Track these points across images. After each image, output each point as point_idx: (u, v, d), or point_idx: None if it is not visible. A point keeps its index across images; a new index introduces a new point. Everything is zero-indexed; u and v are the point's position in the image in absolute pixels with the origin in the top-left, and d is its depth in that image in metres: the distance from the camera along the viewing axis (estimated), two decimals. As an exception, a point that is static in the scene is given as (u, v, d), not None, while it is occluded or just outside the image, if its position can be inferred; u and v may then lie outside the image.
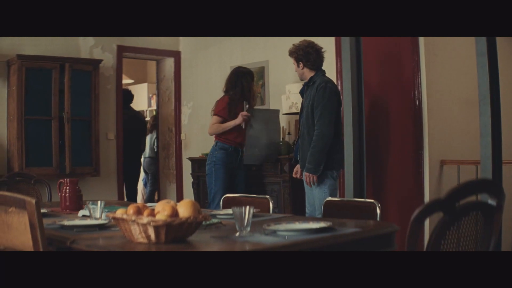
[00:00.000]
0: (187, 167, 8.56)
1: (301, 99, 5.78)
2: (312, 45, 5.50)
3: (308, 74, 5.50)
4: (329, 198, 4.25)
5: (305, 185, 5.60)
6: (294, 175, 5.85)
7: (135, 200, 9.22)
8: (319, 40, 5.60)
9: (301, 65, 5.51)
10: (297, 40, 5.56)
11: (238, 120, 6.40)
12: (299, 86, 5.80)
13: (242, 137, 6.58)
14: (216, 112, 6.56)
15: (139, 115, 10.57)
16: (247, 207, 2.77)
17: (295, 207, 6.55)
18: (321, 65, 5.56)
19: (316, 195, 5.39)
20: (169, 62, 9.20)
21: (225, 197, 4.49)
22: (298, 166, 5.76)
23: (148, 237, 2.62)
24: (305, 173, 5.37)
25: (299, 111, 5.92)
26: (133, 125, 9.27)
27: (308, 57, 5.49)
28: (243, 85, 6.60)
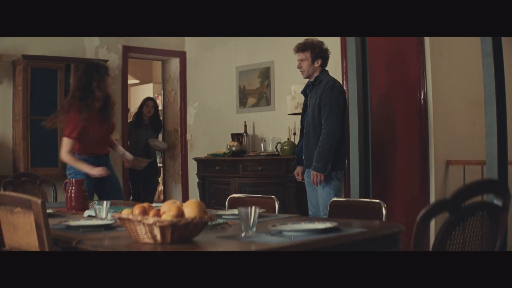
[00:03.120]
0: (192, 167, 8.57)
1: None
2: (324, 44, 5.50)
3: (317, 73, 5.49)
4: (335, 198, 4.24)
5: (307, 186, 5.59)
6: (297, 177, 5.82)
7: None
8: (325, 39, 5.60)
9: (318, 62, 5.46)
10: (301, 38, 5.54)
11: (94, 172, 5.32)
12: (304, 86, 5.78)
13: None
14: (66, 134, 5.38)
15: None
16: (253, 207, 2.77)
17: (301, 207, 6.54)
18: None
19: (321, 196, 5.38)
20: (175, 63, 9.20)
21: (230, 197, 4.49)
22: (298, 168, 5.75)
23: (154, 237, 2.62)
24: (312, 172, 5.35)
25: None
26: None
27: (326, 54, 5.49)
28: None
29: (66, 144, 5.34)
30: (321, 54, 5.46)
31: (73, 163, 5.37)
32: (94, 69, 5.47)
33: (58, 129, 7.48)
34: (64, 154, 5.36)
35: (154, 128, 8.91)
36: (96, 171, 5.29)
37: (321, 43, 5.50)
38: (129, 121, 8.84)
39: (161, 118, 9.35)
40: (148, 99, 9.00)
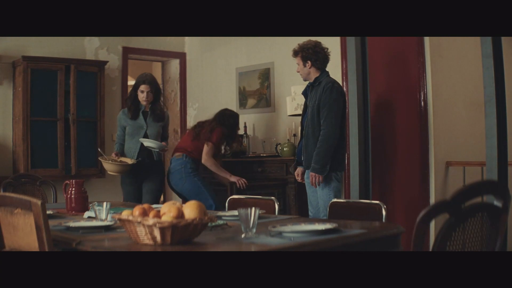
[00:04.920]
0: (192, 168, 8.56)
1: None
2: (320, 45, 5.48)
3: (314, 74, 5.48)
4: (335, 200, 4.24)
5: (308, 187, 5.58)
6: (297, 178, 5.82)
7: None
8: (325, 41, 5.60)
9: (308, 64, 5.46)
10: (302, 40, 5.55)
11: (233, 179, 6.68)
12: (304, 87, 5.78)
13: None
14: (214, 141, 6.60)
15: None
16: (253, 208, 2.77)
17: (301, 208, 6.54)
18: (326, 65, 5.54)
19: (320, 197, 5.37)
20: (175, 64, 9.20)
21: (230, 199, 4.49)
22: (299, 168, 5.75)
23: (154, 238, 2.62)
24: (310, 173, 5.35)
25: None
26: None
27: (317, 56, 5.45)
28: (233, 126, 6.81)
29: (210, 149, 6.57)
30: (310, 56, 5.45)
31: (216, 169, 6.65)
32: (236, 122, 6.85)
33: (57, 131, 7.49)
34: (209, 157, 6.58)
35: (156, 117, 6.54)
36: (234, 179, 6.66)
37: (315, 45, 5.47)
38: (121, 109, 6.90)
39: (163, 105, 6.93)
40: (141, 81, 6.45)
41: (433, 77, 6.06)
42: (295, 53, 5.53)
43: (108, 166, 6.26)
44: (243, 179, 6.66)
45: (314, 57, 5.44)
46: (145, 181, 6.54)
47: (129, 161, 6.34)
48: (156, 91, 6.49)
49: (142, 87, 6.38)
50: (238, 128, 7.00)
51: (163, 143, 6.47)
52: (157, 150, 6.44)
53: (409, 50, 6.16)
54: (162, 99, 6.62)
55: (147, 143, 6.34)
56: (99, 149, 6.72)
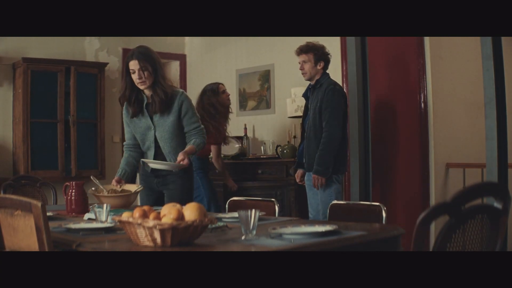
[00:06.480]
0: (192, 170, 8.55)
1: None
2: (326, 48, 5.52)
3: (318, 75, 5.49)
4: (335, 201, 4.23)
5: (308, 189, 5.58)
6: (297, 180, 5.82)
7: None
8: (325, 41, 5.60)
9: (321, 65, 5.47)
10: (301, 40, 5.55)
11: (229, 183, 6.98)
12: (304, 89, 5.78)
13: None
14: (220, 141, 6.69)
15: None
16: (253, 210, 2.76)
17: (301, 210, 6.53)
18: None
19: (321, 199, 5.37)
20: (175, 65, 9.20)
21: (230, 200, 4.48)
22: (299, 170, 5.74)
23: (154, 240, 2.61)
24: (313, 175, 5.35)
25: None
26: None
27: (328, 58, 5.49)
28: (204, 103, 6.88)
29: (217, 150, 6.69)
30: (324, 57, 5.47)
31: (221, 168, 6.87)
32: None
33: (58, 133, 7.49)
34: (220, 160, 6.81)
35: (161, 109, 4.52)
36: (230, 183, 6.97)
37: (323, 47, 5.51)
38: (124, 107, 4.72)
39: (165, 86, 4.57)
40: (128, 58, 4.54)
41: (433, 78, 6.06)
42: (306, 50, 5.48)
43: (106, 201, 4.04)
44: (235, 185, 6.97)
45: (327, 58, 5.48)
46: (165, 188, 4.66)
47: (134, 188, 4.30)
48: (154, 68, 4.47)
49: (131, 65, 4.44)
50: (222, 99, 6.93)
51: (182, 158, 4.38)
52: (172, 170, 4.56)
53: (409, 51, 6.16)
54: (162, 79, 4.51)
55: (153, 164, 4.48)
56: (92, 177, 4.45)
